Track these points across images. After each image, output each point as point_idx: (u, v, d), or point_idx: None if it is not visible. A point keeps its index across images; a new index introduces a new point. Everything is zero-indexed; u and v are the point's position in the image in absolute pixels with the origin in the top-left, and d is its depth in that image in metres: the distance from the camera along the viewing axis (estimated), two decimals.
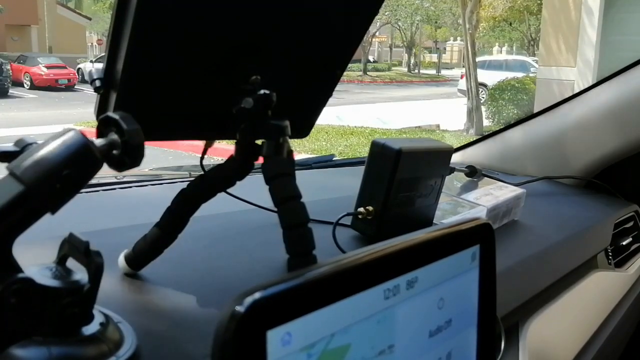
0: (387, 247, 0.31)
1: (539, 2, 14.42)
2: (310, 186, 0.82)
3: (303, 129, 0.67)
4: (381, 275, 0.30)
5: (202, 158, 0.62)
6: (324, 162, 1.37)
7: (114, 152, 0.41)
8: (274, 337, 0.24)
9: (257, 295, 0.24)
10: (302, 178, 0.59)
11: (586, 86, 1.42)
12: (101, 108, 0.51)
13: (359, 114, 10.80)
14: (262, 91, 0.54)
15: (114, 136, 0.42)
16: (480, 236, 0.38)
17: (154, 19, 0.48)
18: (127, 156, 0.41)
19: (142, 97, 0.52)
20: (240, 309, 0.23)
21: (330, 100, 0.68)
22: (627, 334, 1.23)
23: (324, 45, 0.62)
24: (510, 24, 20.94)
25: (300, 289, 0.26)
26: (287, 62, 0.60)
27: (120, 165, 0.42)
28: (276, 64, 0.59)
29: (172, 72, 0.53)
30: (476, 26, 10.04)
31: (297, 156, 0.65)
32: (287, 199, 0.54)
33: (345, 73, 0.68)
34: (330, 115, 9.19)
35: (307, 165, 1.33)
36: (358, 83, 20.50)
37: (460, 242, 0.37)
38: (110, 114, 0.42)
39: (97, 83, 0.51)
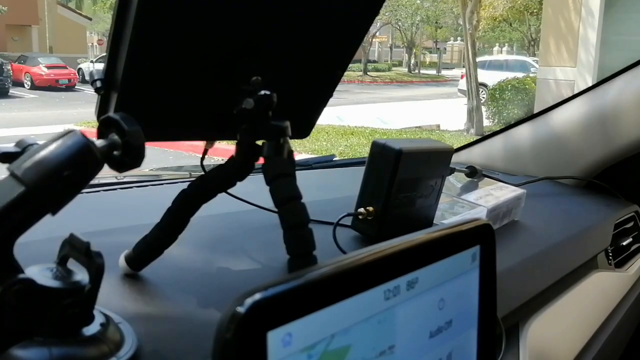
0: (387, 247, 0.31)
1: (539, 2, 14.41)
2: (311, 186, 0.82)
3: (303, 129, 0.67)
4: (381, 275, 0.30)
5: (202, 158, 0.62)
6: (325, 163, 1.37)
7: (115, 152, 0.41)
8: (275, 337, 0.24)
9: (257, 296, 0.24)
10: (303, 178, 0.59)
11: (586, 86, 1.42)
12: (102, 108, 0.51)
13: (360, 114, 10.80)
14: (262, 92, 0.54)
15: (114, 137, 0.42)
16: (480, 237, 0.38)
17: (154, 19, 0.48)
18: (128, 157, 0.41)
19: (143, 97, 0.53)
20: (240, 309, 0.23)
21: (331, 101, 0.68)
22: (628, 334, 1.23)
23: (325, 46, 0.62)
24: (511, 24, 20.95)
25: (301, 289, 0.26)
26: (288, 63, 0.60)
27: (120, 165, 0.42)
28: (277, 65, 0.59)
29: (173, 72, 0.53)
30: (476, 26, 10.05)
31: (298, 156, 0.65)
32: (287, 200, 0.54)
33: (345, 73, 0.68)
34: (330, 116, 9.19)
35: (308, 165, 1.33)
36: (358, 83, 20.51)
37: (461, 243, 0.37)
38: (111, 114, 0.42)
39: (98, 83, 0.51)
